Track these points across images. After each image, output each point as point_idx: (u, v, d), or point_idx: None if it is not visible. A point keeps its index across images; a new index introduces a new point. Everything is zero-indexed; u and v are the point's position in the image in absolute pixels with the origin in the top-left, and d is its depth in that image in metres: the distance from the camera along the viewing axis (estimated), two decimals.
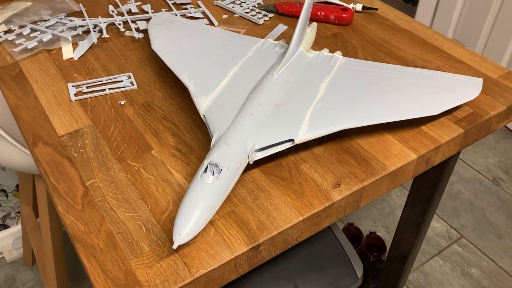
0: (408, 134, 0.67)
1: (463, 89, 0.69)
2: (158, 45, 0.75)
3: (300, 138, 0.59)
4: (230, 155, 0.55)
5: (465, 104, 0.71)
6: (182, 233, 0.48)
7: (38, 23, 0.85)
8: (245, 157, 0.56)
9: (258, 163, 0.62)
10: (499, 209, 1.79)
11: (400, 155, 0.64)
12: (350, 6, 0.89)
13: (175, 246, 0.48)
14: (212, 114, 0.62)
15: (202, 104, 0.63)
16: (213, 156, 0.54)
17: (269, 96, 0.63)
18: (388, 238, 1.69)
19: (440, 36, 0.86)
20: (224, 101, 0.63)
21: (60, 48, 0.81)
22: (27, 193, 1.33)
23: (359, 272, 1.01)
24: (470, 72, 0.78)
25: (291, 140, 0.59)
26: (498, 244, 1.68)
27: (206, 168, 0.53)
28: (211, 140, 0.65)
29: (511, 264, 1.61)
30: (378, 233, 1.62)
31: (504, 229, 1.72)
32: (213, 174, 0.53)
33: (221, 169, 0.53)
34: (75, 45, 0.81)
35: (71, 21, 0.84)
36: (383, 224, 1.74)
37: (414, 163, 0.65)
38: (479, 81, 0.71)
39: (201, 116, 0.63)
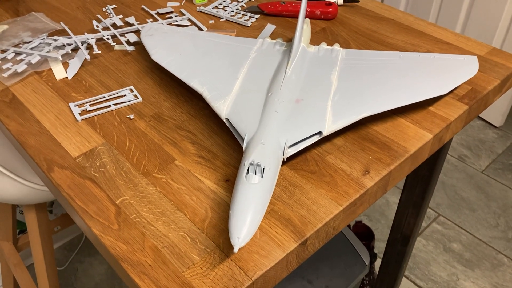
0: (419, 116, 0.69)
1: (463, 68, 0.72)
2: (158, 56, 0.74)
3: (328, 130, 0.60)
4: (268, 153, 0.54)
5: (464, 82, 0.74)
6: (241, 235, 0.48)
7: (20, 45, 0.81)
8: (280, 154, 0.56)
9: (285, 160, 0.62)
10: (468, 184, 1.87)
11: (416, 136, 0.66)
12: (333, 0, 0.91)
13: (236, 250, 0.48)
14: (236, 117, 0.61)
15: (222, 108, 0.63)
16: (253, 157, 0.54)
17: (288, 93, 0.64)
18: (371, 225, 1.73)
19: (422, 21, 0.90)
20: (244, 103, 0.63)
21: (49, 69, 0.78)
22: (6, 228, 1.27)
23: (366, 260, 1.03)
24: (459, 52, 0.82)
25: (319, 133, 0.60)
26: (473, 217, 1.75)
27: (248, 170, 0.53)
28: (232, 144, 0.65)
29: (487, 235, 1.69)
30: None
31: (476, 202, 1.80)
32: (255, 174, 0.53)
33: (263, 168, 0.53)
34: (65, 65, 0.78)
35: (55, 40, 0.81)
36: (363, 212, 1.78)
37: (431, 142, 0.67)
38: (474, 58, 0.74)
39: (224, 120, 0.62)
